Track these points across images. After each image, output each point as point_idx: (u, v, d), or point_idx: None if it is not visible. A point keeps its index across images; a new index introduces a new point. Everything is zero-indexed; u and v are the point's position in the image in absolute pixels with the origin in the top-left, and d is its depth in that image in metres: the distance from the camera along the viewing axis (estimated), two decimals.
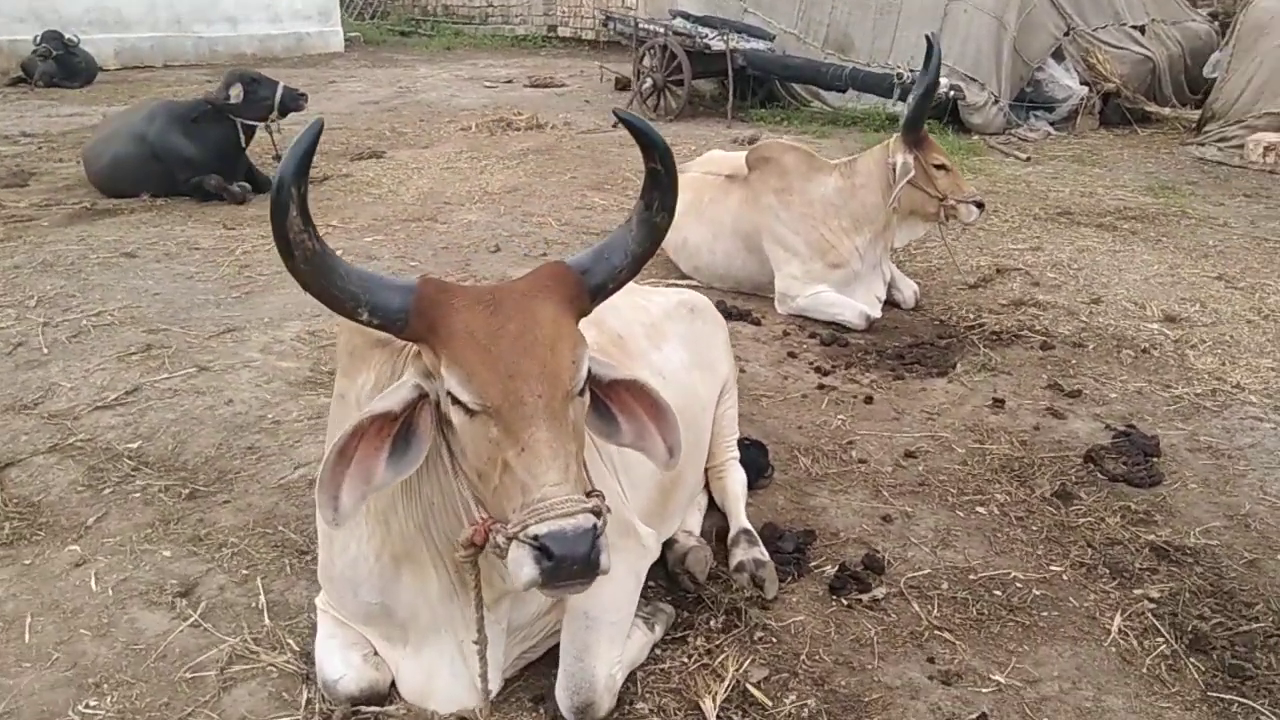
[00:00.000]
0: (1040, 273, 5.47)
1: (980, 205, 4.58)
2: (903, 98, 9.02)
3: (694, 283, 5.19)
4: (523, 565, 1.67)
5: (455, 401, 1.78)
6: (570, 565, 1.65)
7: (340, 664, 2.24)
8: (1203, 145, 9.06)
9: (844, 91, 10.51)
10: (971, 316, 4.81)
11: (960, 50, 10.00)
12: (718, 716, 2.20)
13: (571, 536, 1.65)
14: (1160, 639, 2.48)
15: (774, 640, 2.46)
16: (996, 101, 9.89)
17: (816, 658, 2.40)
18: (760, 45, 11.06)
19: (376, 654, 2.28)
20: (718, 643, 2.44)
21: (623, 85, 10.88)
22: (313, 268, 1.77)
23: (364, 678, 2.23)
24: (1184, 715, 2.24)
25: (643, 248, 1.99)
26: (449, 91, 12.80)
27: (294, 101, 6.76)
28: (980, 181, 7.51)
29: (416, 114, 10.87)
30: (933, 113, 9.32)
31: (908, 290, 4.93)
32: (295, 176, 1.71)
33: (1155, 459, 3.38)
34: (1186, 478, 3.30)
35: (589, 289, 1.93)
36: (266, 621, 2.50)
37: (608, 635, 2.24)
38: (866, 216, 4.65)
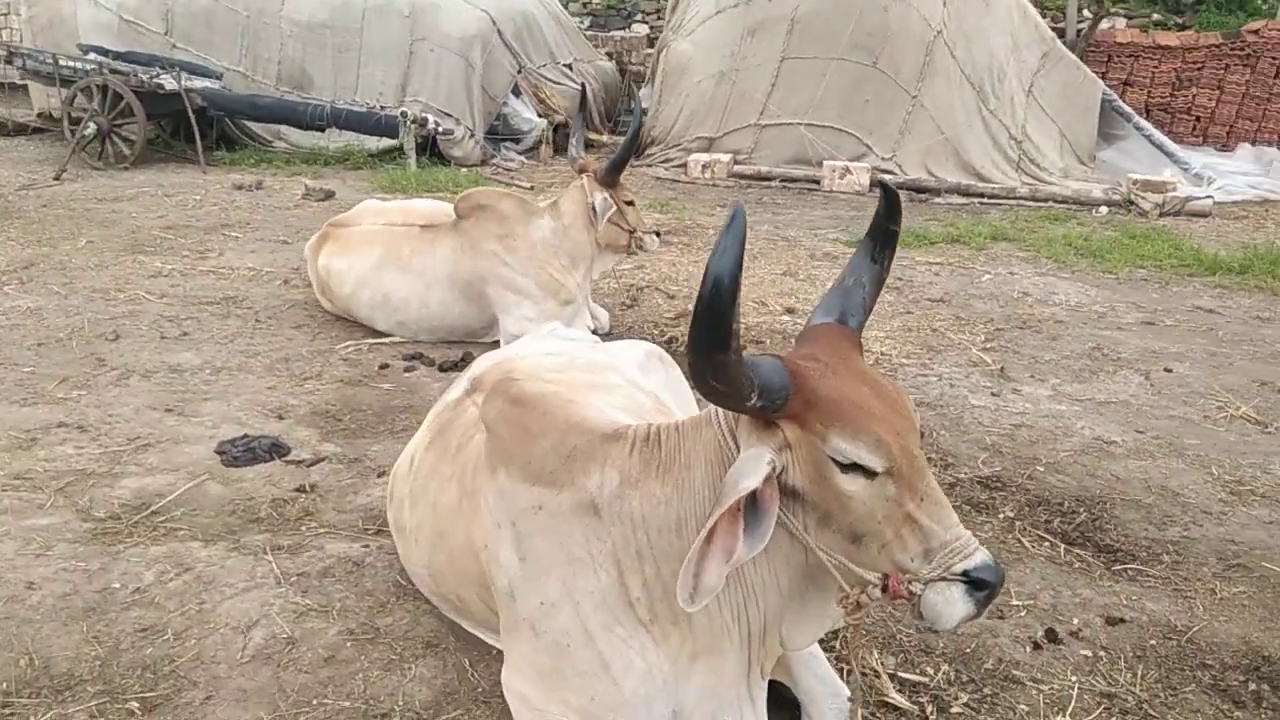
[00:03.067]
0: (668, 286, 6.26)
1: (659, 235, 5.16)
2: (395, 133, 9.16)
3: (398, 338, 4.96)
4: (954, 603, 1.79)
5: (846, 469, 1.81)
6: (997, 590, 1.85)
7: None
8: (650, 166, 10.82)
9: (323, 130, 10.26)
10: (657, 333, 5.40)
11: (434, 88, 10.46)
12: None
13: (993, 565, 1.82)
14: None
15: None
16: (473, 135, 10.57)
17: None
18: (210, 84, 10.23)
19: None
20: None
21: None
22: (738, 358, 1.69)
23: None
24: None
25: (876, 295, 2.18)
26: None
27: None
28: None
29: None
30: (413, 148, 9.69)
31: (604, 317, 5.32)
32: (738, 268, 1.64)
33: None
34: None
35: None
36: None
37: None
38: (579, 253, 4.93)
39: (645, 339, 4.19)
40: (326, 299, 5.23)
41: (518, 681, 2.13)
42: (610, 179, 4.90)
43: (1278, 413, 4.64)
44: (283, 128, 10.64)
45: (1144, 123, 10.77)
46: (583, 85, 8.52)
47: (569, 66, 11.85)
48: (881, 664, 2.56)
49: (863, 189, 9.89)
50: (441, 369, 4.64)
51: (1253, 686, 2.58)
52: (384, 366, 4.67)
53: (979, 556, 1.79)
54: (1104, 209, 9.50)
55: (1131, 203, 9.49)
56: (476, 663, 2.52)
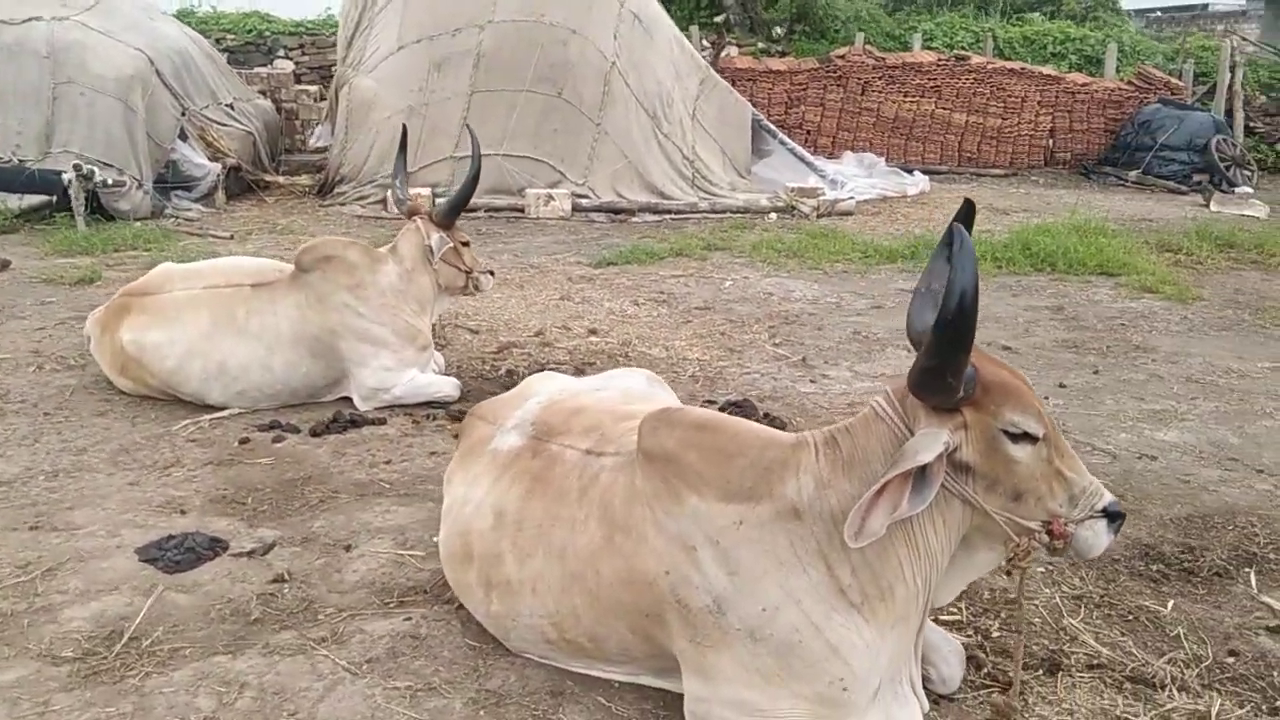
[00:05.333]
0: (466, 323, 6.24)
1: (493, 274, 5.21)
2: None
3: (236, 409, 4.54)
4: (1100, 535, 2.23)
5: (1017, 439, 2.19)
6: (1124, 519, 2.33)
7: None
8: (344, 205, 10.45)
9: None
10: (489, 368, 5.42)
11: (88, 136, 9.29)
12: None
13: (1117, 501, 2.32)
14: None
15: None
16: (140, 185, 9.55)
17: None
18: None
19: None
20: None
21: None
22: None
23: None
24: None
25: None
26: None
27: None
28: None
29: None
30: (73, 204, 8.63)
31: (440, 360, 5.23)
32: (977, 280, 1.97)
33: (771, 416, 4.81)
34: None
35: None
36: None
37: None
38: (424, 296, 4.83)
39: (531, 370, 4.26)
40: (129, 378, 4.62)
41: (733, 690, 2.25)
42: (447, 220, 4.86)
43: (1026, 364, 5.77)
44: None
45: (786, 139, 12.35)
46: (254, 125, 8.09)
47: (230, 106, 11.07)
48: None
49: (566, 214, 10.36)
50: (315, 434, 4.34)
51: None
52: (244, 441, 4.27)
53: (1108, 495, 2.25)
54: (773, 215, 10.80)
55: (793, 208, 10.89)
56: (614, 698, 2.56)
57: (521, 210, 10.34)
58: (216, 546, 3.29)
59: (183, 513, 3.57)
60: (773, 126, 12.40)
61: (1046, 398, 5.24)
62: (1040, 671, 2.79)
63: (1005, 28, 17.90)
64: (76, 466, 3.95)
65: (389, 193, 5.11)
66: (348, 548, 3.35)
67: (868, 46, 15.60)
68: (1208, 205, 12.48)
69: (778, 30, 16.93)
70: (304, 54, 14.47)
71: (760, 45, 16.38)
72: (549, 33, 10.44)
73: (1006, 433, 2.16)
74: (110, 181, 9.03)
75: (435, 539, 3.39)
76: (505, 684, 2.61)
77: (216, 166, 10.30)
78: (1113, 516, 2.23)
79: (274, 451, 4.19)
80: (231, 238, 8.90)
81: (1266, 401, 5.21)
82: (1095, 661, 2.83)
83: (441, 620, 2.89)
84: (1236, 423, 4.85)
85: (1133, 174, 14.44)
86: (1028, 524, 2.20)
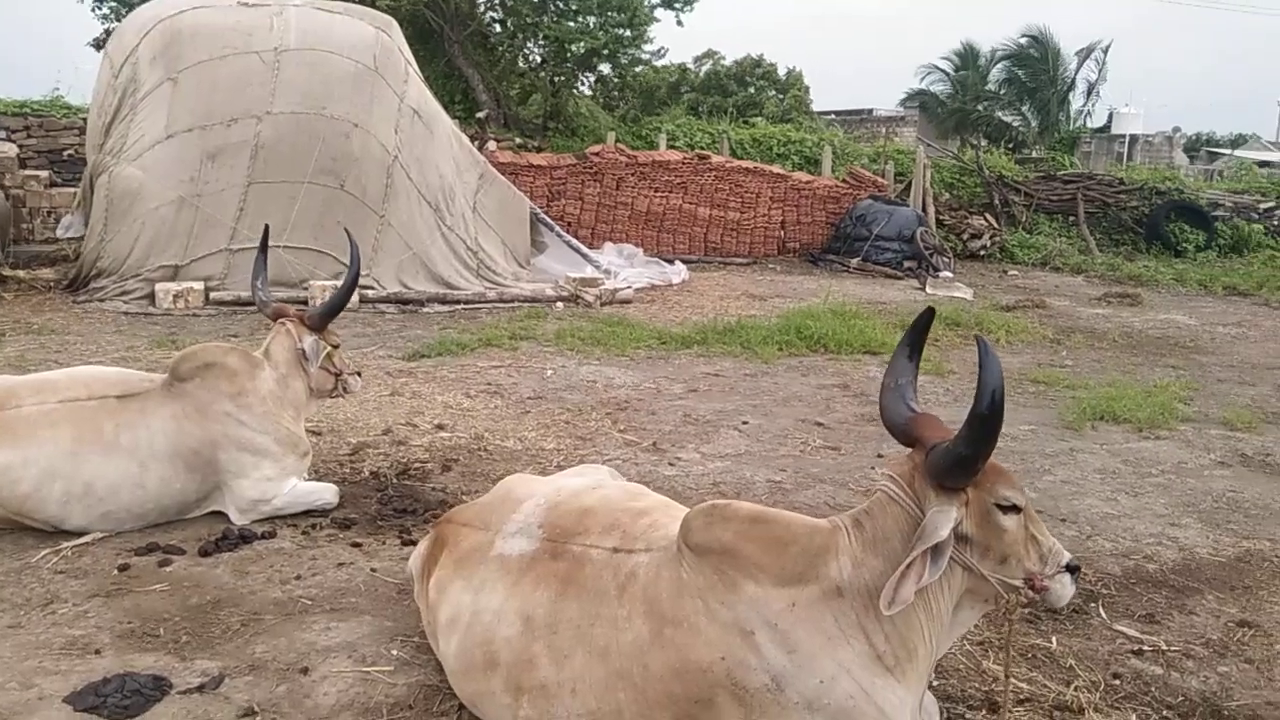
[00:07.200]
0: (318, 424, 6.00)
1: (359, 375, 5.12)
2: None
3: (98, 533, 4.15)
4: (1067, 585, 2.68)
5: (1006, 510, 2.60)
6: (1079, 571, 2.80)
7: None
8: (104, 301, 9.61)
9: None
10: (349, 470, 5.28)
11: None
12: None
13: (1073, 556, 2.79)
14: None
15: None
16: None
17: None
18: None
19: None
20: None
21: None
22: None
23: None
24: None
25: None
26: None
27: None
28: None
29: None
30: None
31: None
32: (1002, 380, 2.38)
33: None
34: None
35: None
36: None
37: None
38: (299, 401, 4.66)
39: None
40: None
41: None
42: (321, 324, 4.76)
43: (842, 437, 6.42)
44: None
45: (562, 232, 12.82)
46: None
47: None
48: None
49: (355, 306, 10.13)
50: (204, 554, 4.05)
51: None
52: (124, 568, 3.91)
53: (1067, 554, 2.71)
54: (559, 305, 11.16)
55: (578, 298, 11.31)
56: None
57: (304, 303, 9.98)
58: (161, 685, 3.04)
59: (97, 652, 3.25)
60: (549, 220, 12.87)
61: (872, 467, 5.89)
62: (984, 711, 3.22)
63: (736, 129, 19.66)
64: None
65: (253, 293, 4.91)
66: (304, 670, 3.20)
67: (619, 144, 16.55)
68: (923, 289, 14.31)
69: (532, 126, 17.57)
70: (29, 136, 13.12)
71: (518, 140, 16.90)
72: (331, 125, 10.29)
73: (999, 505, 2.56)
74: None
75: (394, 653, 3.35)
76: None
77: None
78: (1073, 570, 2.67)
79: (164, 576, 3.87)
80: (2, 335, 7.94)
81: (1042, 460, 6.16)
82: (1021, 696, 3.30)
83: None
84: (1026, 480, 5.69)
85: (854, 261, 16.23)
86: (1013, 582, 2.61)
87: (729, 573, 2.51)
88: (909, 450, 2.65)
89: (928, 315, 2.82)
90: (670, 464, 5.75)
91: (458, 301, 10.78)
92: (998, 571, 2.57)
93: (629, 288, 11.85)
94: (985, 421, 2.36)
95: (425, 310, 10.51)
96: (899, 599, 2.37)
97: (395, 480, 5.12)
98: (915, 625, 2.53)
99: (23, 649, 3.25)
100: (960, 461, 2.42)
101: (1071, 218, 19.83)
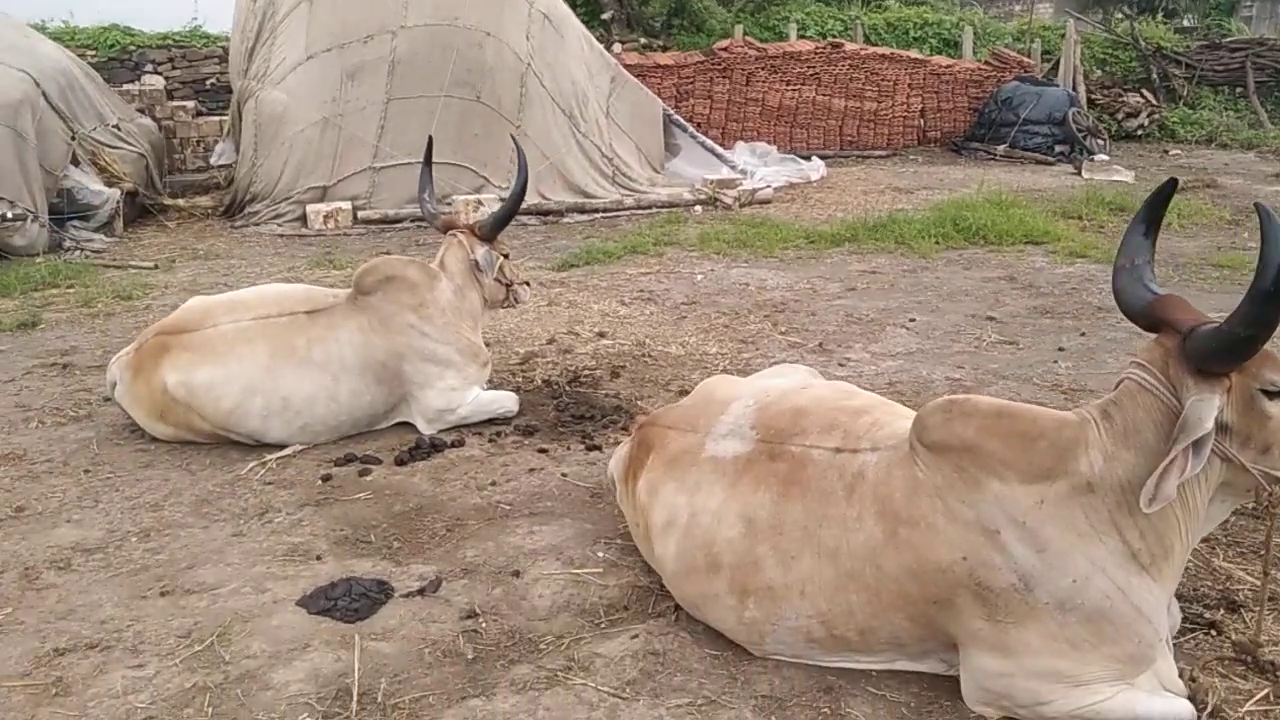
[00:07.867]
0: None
1: (528, 284, 5.10)
2: None
3: (299, 445, 4.29)
4: None
5: (1273, 396, 2.35)
6: None
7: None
8: (260, 225, 9.92)
9: None
10: (522, 380, 5.32)
11: None
12: None
13: None
14: None
15: None
16: (36, 218, 8.77)
17: None
18: None
19: None
20: None
21: None
22: None
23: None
24: None
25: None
26: None
27: None
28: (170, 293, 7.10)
29: None
30: None
31: None
32: None
33: None
34: None
35: None
36: None
37: None
38: (475, 312, 4.69)
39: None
40: (170, 424, 4.28)
41: (1040, 661, 2.34)
42: (492, 234, 4.73)
43: (1017, 331, 6.12)
44: None
45: (696, 133, 12.51)
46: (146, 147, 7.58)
47: (117, 127, 10.29)
48: None
49: None
50: (400, 463, 4.15)
51: None
52: (326, 478, 4.04)
53: None
54: (698, 208, 10.94)
55: (716, 200, 11.06)
56: (882, 686, 2.61)
57: None
58: (385, 588, 3.13)
59: (318, 558, 3.37)
60: (683, 121, 12.55)
61: (1055, 361, 5.59)
62: (1222, 610, 3.01)
63: (869, 14, 18.69)
64: (163, 523, 3.65)
65: (420, 206, 4.91)
66: (515, 573, 3.25)
67: (747, 38, 15.96)
68: (1079, 173, 13.45)
69: (655, 25, 17.10)
70: (174, 68, 13.55)
71: (642, 40, 16.49)
72: (464, 36, 10.21)
73: (1265, 391, 2.31)
74: (10, 216, 8.26)
75: (600, 555, 3.36)
76: (774, 688, 2.61)
77: (115, 192, 9.56)
78: None
79: (366, 485, 3.99)
80: (155, 267, 8.29)
81: None
82: (1268, 595, 3.07)
83: (667, 635, 2.86)
84: None
85: (1000, 148, 15.36)
86: (1276, 473, 2.38)
87: (970, 470, 2.37)
88: (1154, 336, 2.43)
89: (1170, 185, 2.55)
90: (840, 364, 5.58)
91: (596, 210, 10.69)
92: (1259, 462, 2.34)
93: (768, 187, 11.52)
94: (1270, 299, 2.11)
95: (565, 220, 10.47)
96: (1161, 495, 2.19)
97: (568, 388, 5.14)
98: (1171, 521, 2.35)
99: (249, 556, 3.40)
100: (1236, 344, 2.19)
101: (1239, 89, 18.24)
